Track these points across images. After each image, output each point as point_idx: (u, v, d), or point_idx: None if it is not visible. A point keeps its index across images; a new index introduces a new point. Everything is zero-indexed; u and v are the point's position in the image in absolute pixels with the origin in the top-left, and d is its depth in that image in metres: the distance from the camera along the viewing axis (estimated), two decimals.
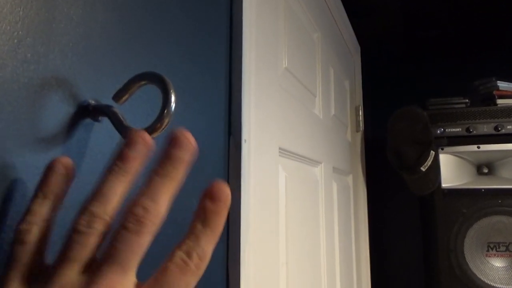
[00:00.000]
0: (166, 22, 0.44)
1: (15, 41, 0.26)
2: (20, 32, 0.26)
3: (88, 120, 0.31)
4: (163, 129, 0.29)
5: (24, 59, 0.26)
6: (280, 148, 0.74)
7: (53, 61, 0.29)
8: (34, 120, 0.27)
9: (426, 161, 1.55)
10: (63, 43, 0.30)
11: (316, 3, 1.12)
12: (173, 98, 0.29)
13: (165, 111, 0.28)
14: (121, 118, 0.30)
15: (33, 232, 0.23)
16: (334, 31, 1.35)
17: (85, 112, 0.31)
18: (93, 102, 0.32)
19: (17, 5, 0.26)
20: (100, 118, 0.32)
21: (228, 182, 0.53)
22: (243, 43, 0.57)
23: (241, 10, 0.57)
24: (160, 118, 0.28)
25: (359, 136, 1.68)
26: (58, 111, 0.29)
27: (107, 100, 0.33)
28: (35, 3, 0.28)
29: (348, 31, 1.58)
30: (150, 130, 0.29)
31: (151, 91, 0.33)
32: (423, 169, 1.56)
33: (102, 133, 0.33)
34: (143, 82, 0.30)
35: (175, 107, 0.29)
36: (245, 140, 0.54)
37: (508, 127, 1.56)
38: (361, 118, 1.69)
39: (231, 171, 0.53)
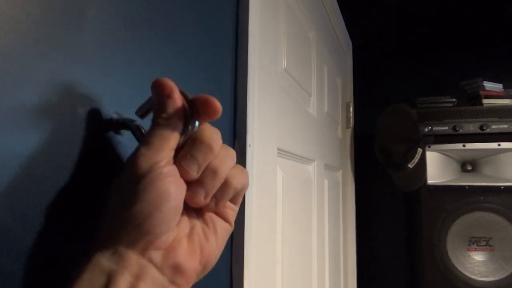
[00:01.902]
0: (177, 33, 0.44)
1: (41, 55, 0.27)
2: (46, 47, 0.27)
3: (110, 133, 0.32)
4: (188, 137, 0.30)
5: (52, 75, 0.27)
6: (278, 149, 0.75)
7: (79, 75, 0.29)
8: (60, 134, 0.28)
9: (413, 158, 1.59)
10: (89, 57, 0.30)
11: (313, 1, 1.13)
12: (195, 115, 0.30)
13: (189, 127, 0.30)
14: (143, 132, 0.31)
15: None
16: (328, 28, 1.36)
17: (108, 125, 0.32)
18: (115, 116, 0.32)
19: (45, 20, 0.27)
20: (121, 131, 0.33)
21: None
22: (248, 47, 0.58)
23: (247, 19, 0.58)
24: (184, 133, 0.29)
25: (349, 133, 1.71)
26: (83, 126, 0.30)
27: (128, 112, 0.34)
28: (62, 18, 0.28)
29: (341, 28, 1.60)
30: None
31: None
32: (410, 166, 1.60)
33: (123, 145, 0.34)
34: None
35: (199, 123, 0.30)
36: (249, 145, 0.56)
37: (493, 126, 1.61)
38: (351, 114, 1.72)
39: None
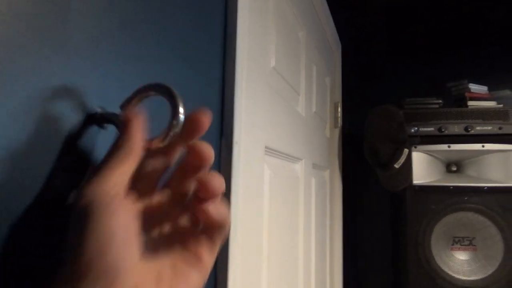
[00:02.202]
0: (165, 29, 0.44)
1: (26, 50, 0.26)
2: (29, 39, 0.27)
3: (94, 127, 0.32)
4: (171, 139, 0.30)
5: (38, 68, 0.27)
6: (266, 147, 0.76)
7: (63, 69, 0.29)
8: (44, 127, 0.28)
9: (399, 158, 1.61)
10: (74, 50, 0.30)
11: (303, 0, 1.14)
12: (181, 111, 0.30)
13: (173, 122, 0.29)
14: None
15: None
16: (317, 28, 1.37)
17: (92, 119, 0.32)
18: (99, 110, 0.32)
19: (29, 11, 0.26)
20: (105, 125, 0.33)
21: None
22: (236, 45, 0.58)
23: (236, 16, 0.58)
24: (168, 130, 0.29)
25: (337, 132, 1.72)
26: (67, 119, 0.29)
27: (111, 107, 0.34)
28: (48, 13, 0.28)
29: (331, 28, 1.61)
30: (158, 140, 0.30)
31: (155, 99, 0.33)
32: (396, 166, 1.62)
33: (107, 140, 0.33)
34: (151, 93, 0.31)
35: (182, 120, 0.30)
36: (236, 142, 0.56)
37: (477, 128, 1.64)
38: (339, 114, 1.73)
39: (222, 173, 0.55)
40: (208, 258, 0.29)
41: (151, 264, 0.26)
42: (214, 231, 0.29)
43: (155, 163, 0.30)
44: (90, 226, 0.22)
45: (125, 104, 0.32)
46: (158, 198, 0.30)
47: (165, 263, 0.27)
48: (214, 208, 0.29)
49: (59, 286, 0.22)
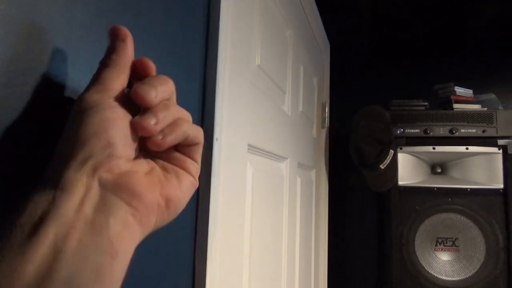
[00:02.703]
0: (142, 19, 0.44)
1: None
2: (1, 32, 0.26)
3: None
4: None
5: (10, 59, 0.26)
6: (249, 145, 0.75)
7: (42, 59, 0.29)
8: (21, 106, 0.27)
9: (385, 159, 1.62)
10: (50, 42, 0.30)
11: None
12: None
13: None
14: None
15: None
16: (305, 27, 1.37)
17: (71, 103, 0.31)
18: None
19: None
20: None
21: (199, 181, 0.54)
22: (219, 41, 0.58)
23: (219, 12, 0.57)
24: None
25: (324, 132, 1.73)
26: (46, 101, 0.29)
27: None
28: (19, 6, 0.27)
29: (319, 28, 1.61)
30: None
31: None
32: (382, 167, 1.63)
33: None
34: None
35: None
36: (216, 139, 0.55)
37: (462, 130, 1.66)
38: (327, 114, 1.73)
39: (202, 170, 0.54)
40: (194, 170, 0.31)
41: (144, 162, 0.28)
42: (192, 150, 0.31)
43: None
44: (93, 114, 0.24)
45: None
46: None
47: (156, 165, 0.29)
48: (184, 123, 0.29)
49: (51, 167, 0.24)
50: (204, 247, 0.53)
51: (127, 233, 0.24)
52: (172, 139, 0.28)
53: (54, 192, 0.22)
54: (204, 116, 0.56)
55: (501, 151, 1.63)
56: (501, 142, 1.63)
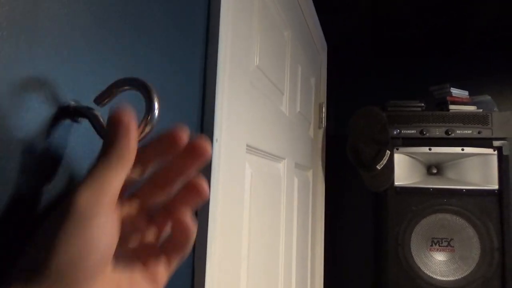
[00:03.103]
0: (145, 23, 0.44)
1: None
2: (4, 32, 0.26)
3: (67, 121, 0.31)
4: (145, 135, 0.29)
5: (8, 58, 0.26)
6: (247, 145, 0.75)
7: (36, 61, 0.28)
8: (13, 119, 0.27)
9: (382, 160, 1.63)
10: (46, 44, 0.29)
11: (288, 0, 1.14)
12: (156, 106, 0.29)
13: (148, 117, 0.29)
14: (102, 121, 0.31)
15: None
16: (303, 28, 1.37)
17: (65, 113, 0.31)
18: (73, 103, 0.31)
19: (2, 4, 0.26)
20: (79, 119, 0.32)
21: None
22: (219, 42, 0.58)
23: (219, 12, 0.57)
24: (143, 126, 0.29)
25: (321, 133, 1.73)
26: (38, 111, 0.29)
27: (86, 101, 0.33)
28: (20, 2, 0.27)
29: (317, 28, 1.61)
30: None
31: (131, 94, 0.33)
32: (378, 167, 1.64)
33: (80, 134, 0.33)
34: (126, 87, 0.30)
35: (158, 115, 0.29)
36: (216, 140, 0.55)
37: (457, 131, 1.68)
38: (324, 115, 1.74)
39: (202, 170, 0.54)
40: (162, 278, 0.29)
41: (113, 275, 0.26)
42: (174, 251, 0.30)
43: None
44: (74, 230, 0.22)
45: (99, 98, 0.31)
46: (126, 208, 0.29)
47: (125, 276, 0.27)
48: (190, 218, 0.29)
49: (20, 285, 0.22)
50: (203, 248, 0.54)
51: None
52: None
53: None
54: (204, 116, 0.56)
55: (496, 152, 1.64)
56: (496, 143, 1.64)
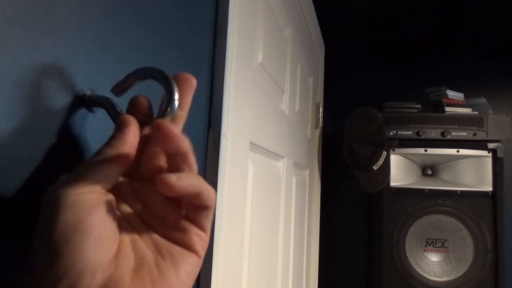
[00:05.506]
0: (157, 18, 0.43)
1: (18, 27, 0.25)
2: (21, 19, 0.25)
3: (83, 110, 0.30)
4: None
5: (26, 45, 0.25)
6: (251, 143, 0.75)
7: (53, 49, 0.28)
8: (30, 106, 0.26)
9: (378, 160, 1.64)
10: (63, 33, 0.28)
11: None
12: (176, 97, 0.29)
13: (168, 109, 0.28)
14: (119, 111, 0.30)
15: None
16: (303, 27, 1.37)
17: (81, 102, 0.30)
18: (89, 92, 0.31)
19: None
20: (94, 109, 0.31)
21: (205, 176, 0.54)
22: (227, 37, 0.57)
23: (227, 9, 0.57)
24: (162, 115, 0.28)
25: (317, 133, 1.73)
26: (55, 99, 0.28)
27: (101, 91, 0.32)
28: None
29: (315, 28, 1.61)
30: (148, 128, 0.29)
31: (145, 84, 0.32)
32: (374, 168, 1.64)
33: (95, 124, 0.32)
34: (144, 77, 0.30)
35: (177, 106, 0.29)
36: (223, 135, 0.55)
37: (453, 133, 1.69)
38: (321, 115, 1.74)
39: (209, 165, 0.54)
40: (199, 243, 0.27)
41: (130, 253, 0.24)
42: (201, 216, 0.26)
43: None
44: (65, 219, 0.22)
45: (116, 88, 0.30)
46: (131, 183, 0.28)
47: (147, 252, 0.25)
48: (177, 179, 0.24)
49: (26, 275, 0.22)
50: (209, 246, 0.53)
51: None
52: (185, 185, 0.24)
53: None
54: (212, 111, 0.55)
55: (491, 154, 1.66)
56: (491, 145, 1.66)
